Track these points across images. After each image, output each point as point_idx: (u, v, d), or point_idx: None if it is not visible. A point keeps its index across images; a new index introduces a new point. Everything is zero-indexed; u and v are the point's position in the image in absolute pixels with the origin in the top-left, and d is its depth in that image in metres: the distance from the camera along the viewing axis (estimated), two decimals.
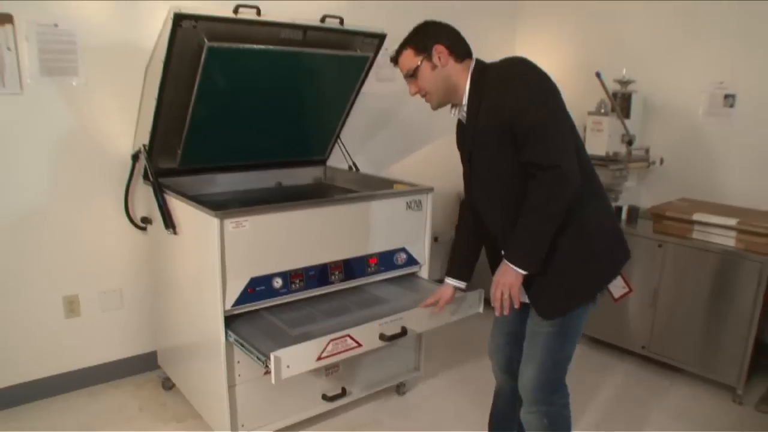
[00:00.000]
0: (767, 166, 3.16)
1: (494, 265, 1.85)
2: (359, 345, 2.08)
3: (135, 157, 2.65)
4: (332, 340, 1.98)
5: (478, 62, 1.79)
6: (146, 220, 2.72)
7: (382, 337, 2.13)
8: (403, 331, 2.18)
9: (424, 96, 1.85)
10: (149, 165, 2.47)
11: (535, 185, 1.62)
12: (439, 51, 1.76)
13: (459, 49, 1.79)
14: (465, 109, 1.79)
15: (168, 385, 2.79)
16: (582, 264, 1.74)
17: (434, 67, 1.77)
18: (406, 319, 2.19)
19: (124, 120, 2.68)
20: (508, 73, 1.70)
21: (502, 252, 1.77)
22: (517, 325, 1.94)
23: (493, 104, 1.68)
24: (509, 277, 1.70)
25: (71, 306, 2.70)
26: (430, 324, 2.28)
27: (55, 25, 2.45)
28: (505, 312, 1.74)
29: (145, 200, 2.73)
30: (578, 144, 1.73)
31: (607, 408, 2.77)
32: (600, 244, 1.75)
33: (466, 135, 1.83)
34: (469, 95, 1.76)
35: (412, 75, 1.81)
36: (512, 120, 1.62)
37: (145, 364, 2.93)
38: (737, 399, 2.85)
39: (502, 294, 1.72)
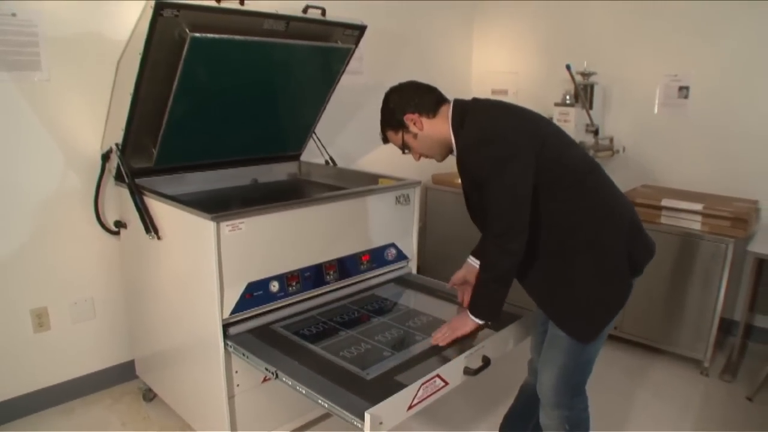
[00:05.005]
0: (719, 153, 3.35)
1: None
2: (446, 384, 1.82)
3: (105, 157, 2.48)
4: (423, 384, 1.72)
5: (456, 106, 1.81)
6: (120, 224, 2.55)
7: (467, 371, 1.87)
8: (486, 362, 1.92)
9: (427, 157, 1.92)
10: (123, 165, 2.32)
11: (484, 247, 1.79)
12: (411, 119, 1.83)
13: (427, 105, 1.83)
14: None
15: (149, 396, 2.65)
16: (603, 281, 1.74)
17: (415, 135, 1.84)
18: (488, 347, 1.95)
19: (91, 118, 2.50)
20: (472, 137, 1.74)
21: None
22: None
23: (461, 162, 1.77)
24: (464, 324, 1.86)
25: (40, 319, 2.50)
26: (507, 348, 2.09)
27: (13, 15, 2.24)
28: (441, 343, 1.88)
29: (116, 203, 2.56)
30: (579, 167, 1.76)
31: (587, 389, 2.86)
32: (618, 264, 1.75)
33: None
34: (456, 149, 1.81)
35: (404, 149, 1.90)
36: (475, 182, 1.73)
37: (121, 374, 2.77)
38: (704, 371, 3.03)
39: (449, 334, 1.88)
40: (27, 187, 2.41)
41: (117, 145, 2.34)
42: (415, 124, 1.82)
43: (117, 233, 2.60)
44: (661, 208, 3.08)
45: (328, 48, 2.63)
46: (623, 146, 3.56)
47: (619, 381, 2.97)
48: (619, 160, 3.63)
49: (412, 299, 2.44)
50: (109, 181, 2.54)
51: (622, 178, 3.57)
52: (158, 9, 2.01)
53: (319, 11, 2.48)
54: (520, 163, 1.65)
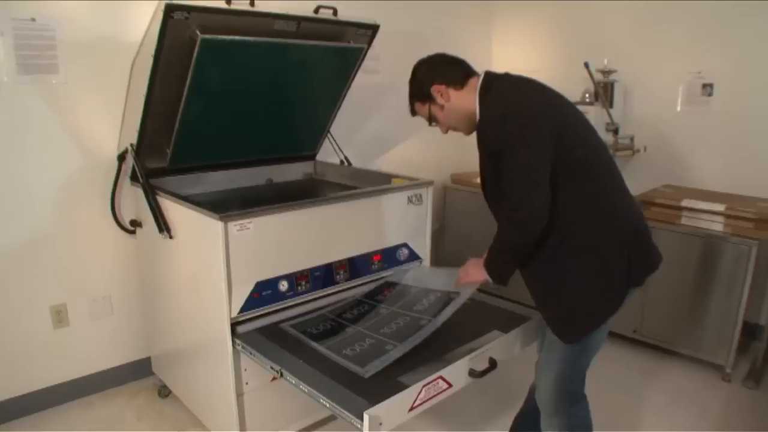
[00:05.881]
0: (744, 153, 3.25)
1: None
2: (450, 386, 1.78)
3: (121, 158, 2.52)
4: (425, 385, 1.69)
5: (487, 77, 1.78)
6: (135, 223, 2.59)
7: (471, 373, 1.83)
8: (493, 364, 1.88)
9: (455, 130, 1.90)
10: (138, 166, 2.36)
11: (502, 217, 1.70)
12: (438, 90, 1.82)
13: (454, 77, 1.81)
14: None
15: (164, 392, 2.70)
16: (594, 286, 1.69)
17: (442, 106, 1.83)
18: (494, 349, 1.90)
19: (108, 119, 2.55)
20: (494, 107, 1.70)
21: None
22: None
23: (481, 132, 1.72)
24: (477, 274, 1.84)
25: (59, 316, 2.57)
26: (515, 350, 2.05)
27: (33, 20, 2.30)
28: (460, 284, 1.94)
29: (133, 202, 2.61)
30: (595, 163, 1.70)
31: (603, 392, 2.77)
32: (613, 260, 1.69)
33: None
34: (478, 118, 1.76)
35: (431, 121, 1.89)
36: (492, 154, 1.67)
37: (138, 371, 2.82)
38: (726, 377, 2.94)
39: (464, 277, 1.92)
40: (47, 187, 2.47)
41: (132, 145, 2.38)
42: (441, 95, 1.80)
43: (133, 232, 2.65)
44: (681, 208, 3.00)
45: (340, 48, 2.63)
46: (644, 145, 3.48)
47: (636, 384, 2.91)
48: (639, 160, 3.55)
49: (425, 276, 2.41)
50: (126, 181, 2.59)
51: (643, 177, 3.52)
52: (168, 11, 2.03)
53: (331, 11, 2.49)
54: (539, 140, 1.60)
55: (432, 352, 1.88)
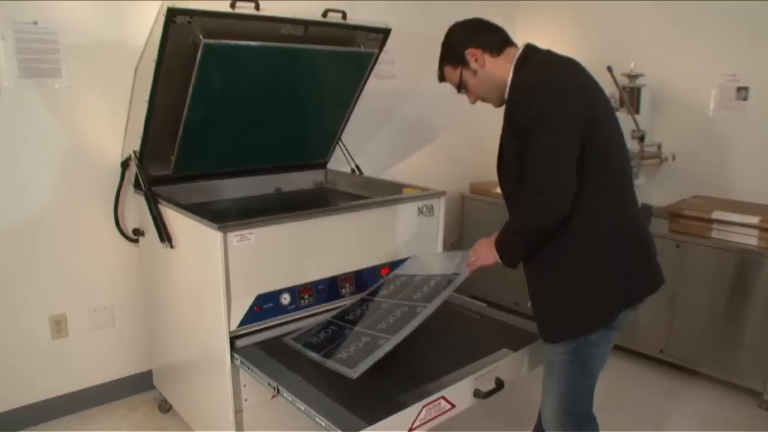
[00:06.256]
0: None
1: None
2: (453, 406, 1.71)
3: (124, 165, 2.47)
4: (425, 405, 1.63)
5: (527, 49, 1.67)
6: (138, 232, 2.54)
7: (477, 393, 1.75)
8: (499, 385, 1.80)
9: (483, 101, 1.78)
10: (141, 173, 2.30)
11: (520, 197, 1.58)
12: (473, 54, 1.69)
13: (492, 42, 1.69)
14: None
15: (165, 407, 2.63)
16: (586, 289, 1.60)
17: (475, 72, 1.71)
18: (501, 368, 1.82)
19: (112, 125, 2.50)
20: (528, 78, 1.60)
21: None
22: None
23: (510, 102, 1.63)
24: (485, 252, 1.74)
25: (58, 326, 2.51)
26: (523, 371, 1.97)
27: (35, 23, 2.26)
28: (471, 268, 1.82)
29: (136, 210, 2.55)
30: (614, 167, 1.61)
31: (626, 416, 2.66)
32: (612, 268, 1.60)
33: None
34: (509, 88, 1.66)
35: (461, 87, 1.77)
36: (518, 128, 1.57)
37: (139, 384, 2.75)
38: (764, 404, 2.75)
39: (475, 261, 1.80)
40: (49, 193, 2.43)
41: (135, 152, 2.33)
42: (476, 60, 1.69)
43: (136, 241, 2.59)
44: (712, 221, 2.84)
45: (350, 53, 2.54)
46: (673, 153, 3.31)
47: (662, 408, 2.74)
48: (667, 169, 3.38)
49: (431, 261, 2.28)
50: (129, 189, 2.54)
51: (671, 188, 3.37)
52: (170, 15, 1.97)
53: (340, 14, 2.40)
54: (570, 120, 1.50)
55: (436, 370, 1.79)
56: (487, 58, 1.68)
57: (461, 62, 1.71)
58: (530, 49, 1.68)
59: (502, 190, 1.75)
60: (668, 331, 2.99)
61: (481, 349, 1.93)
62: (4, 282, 2.38)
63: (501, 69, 1.67)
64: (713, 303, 2.83)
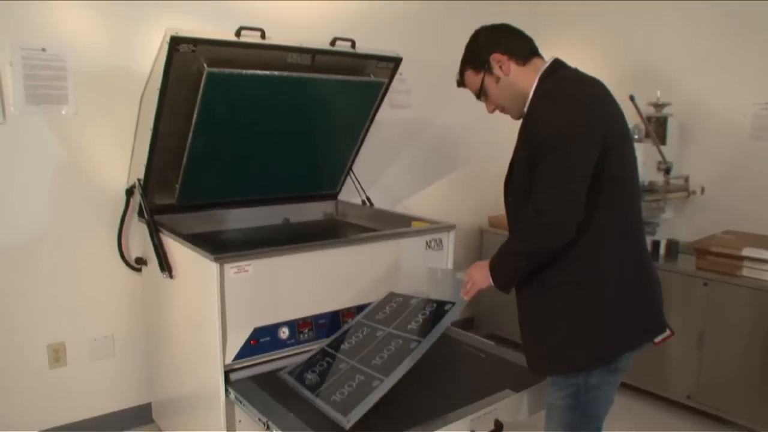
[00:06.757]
0: None
1: None
2: None
3: (129, 192, 2.45)
4: None
5: (555, 63, 1.60)
6: (141, 261, 2.50)
7: None
8: (498, 427, 1.75)
9: (502, 111, 1.70)
10: (144, 201, 2.28)
11: (523, 218, 1.51)
12: (498, 60, 1.61)
13: (520, 50, 1.61)
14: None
15: None
16: (577, 324, 1.52)
17: (498, 79, 1.62)
18: (501, 410, 1.77)
19: (118, 152, 2.48)
20: (550, 92, 1.53)
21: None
22: None
23: (529, 113, 1.56)
24: (480, 276, 1.68)
25: (56, 355, 2.46)
26: (524, 413, 1.89)
27: (43, 50, 2.27)
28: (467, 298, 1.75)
29: (140, 239, 2.52)
30: (624, 202, 1.54)
31: None
32: (606, 306, 1.51)
33: None
34: (531, 98, 1.57)
35: (481, 94, 1.68)
36: (533, 143, 1.49)
37: (138, 417, 2.68)
38: None
39: (471, 289, 1.73)
40: (52, 219, 2.41)
41: (139, 180, 2.31)
42: (501, 66, 1.60)
43: (139, 270, 2.55)
44: (742, 258, 2.67)
45: (360, 82, 2.49)
46: (701, 186, 3.15)
47: None
48: (695, 203, 3.22)
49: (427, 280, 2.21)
50: (134, 217, 2.51)
51: (700, 222, 3.21)
52: (174, 44, 1.96)
53: (349, 43, 2.36)
54: (587, 141, 1.43)
55: (432, 410, 1.72)
56: (513, 66, 1.60)
57: (484, 67, 1.63)
58: (558, 64, 1.61)
59: (506, 201, 1.68)
60: (696, 375, 2.81)
61: (482, 390, 1.84)
62: (3, 307, 2.35)
63: (525, 79, 1.59)
64: (744, 346, 2.65)
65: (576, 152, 1.42)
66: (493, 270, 1.62)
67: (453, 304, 1.87)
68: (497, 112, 1.74)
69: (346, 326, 2.13)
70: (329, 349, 2.02)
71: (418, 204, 3.51)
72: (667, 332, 2.75)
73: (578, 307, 1.51)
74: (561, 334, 1.54)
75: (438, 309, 1.92)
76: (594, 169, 1.43)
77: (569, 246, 1.45)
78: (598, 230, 1.48)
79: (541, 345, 1.60)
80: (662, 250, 3.12)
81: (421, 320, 1.92)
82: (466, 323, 3.80)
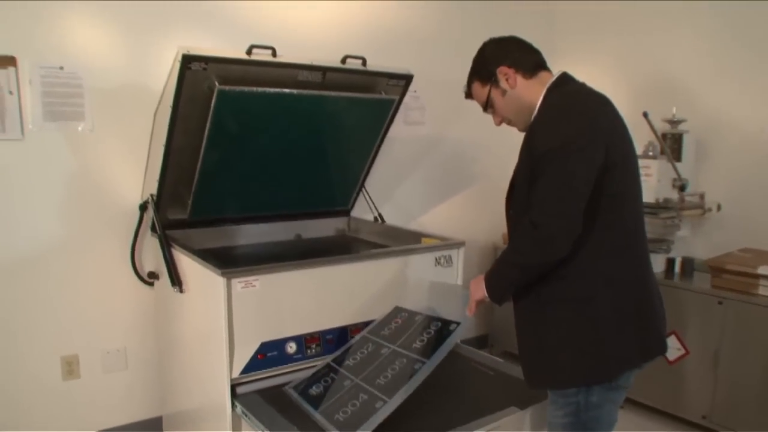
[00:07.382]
0: None
1: None
2: None
3: (143, 208, 2.49)
4: None
5: (562, 77, 1.60)
6: (153, 275, 2.54)
7: None
8: None
9: (509, 123, 1.70)
10: (156, 216, 2.31)
11: (520, 230, 1.51)
12: (504, 73, 1.61)
13: (527, 63, 1.62)
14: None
15: None
16: (572, 339, 1.51)
17: (504, 92, 1.63)
18: (504, 428, 1.76)
19: (132, 168, 2.53)
20: (555, 105, 1.53)
21: None
22: None
23: (532, 127, 1.55)
24: (476, 287, 1.68)
25: (70, 367, 2.50)
26: (531, 429, 1.87)
27: (61, 68, 2.33)
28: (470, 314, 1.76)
29: (153, 253, 2.55)
30: (625, 222, 1.53)
31: None
32: (602, 324, 1.49)
33: None
34: (536, 112, 1.57)
35: (487, 107, 1.69)
36: (535, 155, 1.49)
37: (149, 431, 2.69)
38: None
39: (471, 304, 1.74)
40: (67, 233, 2.46)
41: (152, 195, 2.34)
42: (507, 80, 1.61)
43: (151, 284, 2.59)
44: (758, 276, 2.62)
45: (371, 99, 2.51)
46: (718, 203, 3.11)
47: None
48: (712, 220, 3.18)
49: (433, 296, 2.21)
50: (147, 232, 2.55)
51: (717, 240, 3.16)
52: (186, 62, 1.99)
53: (360, 61, 2.38)
54: (589, 156, 1.42)
55: (436, 426, 1.71)
56: (519, 79, 1.61)
57: (491, 80, 1.64)
58: (566, 78, 1.61)
59: (507, 215, 1.68)
60: (711, 395, 2.76)
61: (487, 407, 1.83)
62: (18, 320, 2.40)
63: (532, 92, 1.59)
64: (761, 365, 2.60)
65: (576, 167, 1.42)
66: (488, 281, 1.63)
67: (458, 324, 1.86)
68: (506, 126, 1.74)
69: (351, 341, 2.13)
70: (334, 365, 2.02)
71: (431, 221, 3.51)
72: (683, 351, 2.72)
73: (572, 324, 1.50)
74: (554, 349, 1.52)
75: (443, 328, 1.91)
76: (594, 185, 1.43)
77: (566, 261, 1.45)
78: (595, 247, 1.46)
79: (535, 359, 1.59)
80: (677, 268, 3.08)
81: (425, 339, 1.91)
82: (480, 341, 3.77)
